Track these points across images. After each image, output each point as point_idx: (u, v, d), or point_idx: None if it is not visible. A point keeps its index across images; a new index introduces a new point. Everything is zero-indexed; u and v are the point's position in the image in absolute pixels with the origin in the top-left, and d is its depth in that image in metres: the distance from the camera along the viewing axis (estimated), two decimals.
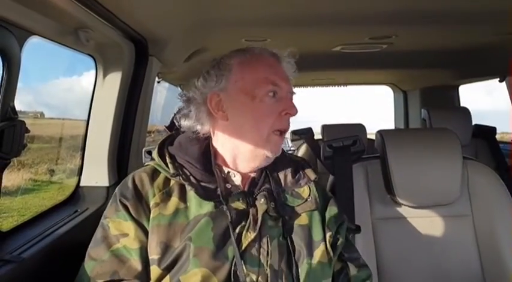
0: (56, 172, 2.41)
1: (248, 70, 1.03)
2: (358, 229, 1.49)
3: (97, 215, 1.51)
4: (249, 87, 1.01)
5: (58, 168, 2.38)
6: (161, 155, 1.05)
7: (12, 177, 1.82)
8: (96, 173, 1.62)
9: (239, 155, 1.04)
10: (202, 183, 1.00)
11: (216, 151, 1.06)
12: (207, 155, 1.05)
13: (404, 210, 1.59)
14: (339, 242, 1.07)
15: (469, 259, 1.56)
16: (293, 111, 1.02)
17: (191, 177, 1.00)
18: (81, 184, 1.63)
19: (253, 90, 1.00)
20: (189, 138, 1.07)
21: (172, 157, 1.03)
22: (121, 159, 1.70)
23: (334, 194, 1.53)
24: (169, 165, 1.01)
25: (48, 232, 1.25)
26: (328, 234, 1.04)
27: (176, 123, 1.11)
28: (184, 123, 1.08)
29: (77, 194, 1.62)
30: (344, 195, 1.57)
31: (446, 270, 1.55)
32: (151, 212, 0.97)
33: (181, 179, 0.99)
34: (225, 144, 1.05)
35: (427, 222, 1.59)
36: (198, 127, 1.06)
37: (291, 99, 1.05)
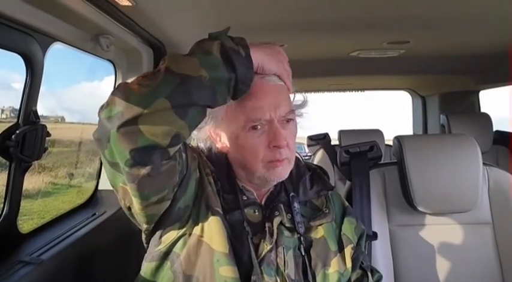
0: (75, 176, 2.45)
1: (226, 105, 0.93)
2: (375, 236, 1.48)
3: (114, 219, 1.54)
4: (231, 125, 0.94)
5: (77, 172, 2.42)
6: None
7: (33, 180, 1.86)
8: None
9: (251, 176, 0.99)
10: (224, 195, 0.98)
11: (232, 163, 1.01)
12: (228, 166, 1.01)
13: (422, 217, 1.56)
14: (360, 253, 1.06)
15: (488, 268, 1.52)
16: (280, 143, 0.90)
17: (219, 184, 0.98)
18: (100, 188, 1.66)
19: (234, 130, 0.94)
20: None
21: None
22: None
23: (351, 200, 1.52)
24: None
25: (66, 234, 1.27)
26: (350, 246, 1.03)
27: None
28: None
29: (95, 198, 1.65)
30: (361, 201, 1.55)
31: (465, 279, 1.51)
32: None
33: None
34: (235, 163, 1.00)
35: (446, 230, 1.56)
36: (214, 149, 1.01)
37: (278, 127, 0.91)
